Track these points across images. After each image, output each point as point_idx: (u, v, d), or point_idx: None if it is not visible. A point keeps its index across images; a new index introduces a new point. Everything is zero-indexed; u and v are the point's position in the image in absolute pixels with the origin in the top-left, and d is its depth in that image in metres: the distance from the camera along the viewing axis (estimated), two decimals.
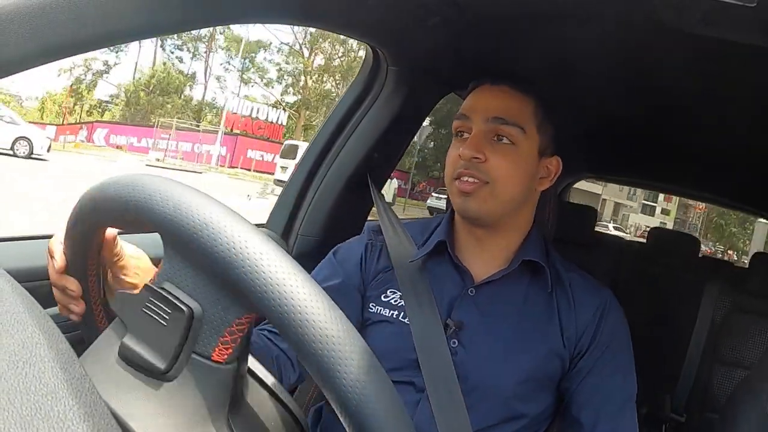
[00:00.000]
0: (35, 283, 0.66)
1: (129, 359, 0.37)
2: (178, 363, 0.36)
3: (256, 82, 30.53)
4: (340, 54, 28.11)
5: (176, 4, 0.53)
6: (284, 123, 24.51)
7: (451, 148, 0.76)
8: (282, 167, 14.48)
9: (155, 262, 0.48)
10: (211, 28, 26.33)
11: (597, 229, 2.01)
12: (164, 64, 30.45)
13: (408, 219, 0.99)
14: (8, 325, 0.28)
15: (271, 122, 23.25)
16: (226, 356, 0.37)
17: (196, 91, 31.79)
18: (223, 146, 20.50)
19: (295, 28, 26.40)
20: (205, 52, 31.02)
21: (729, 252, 26.80)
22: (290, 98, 29.43)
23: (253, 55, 30.11)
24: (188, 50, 30.69)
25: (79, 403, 0.27)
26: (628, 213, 38.13)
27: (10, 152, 11.27)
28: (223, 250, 0.33)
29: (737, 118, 1.10)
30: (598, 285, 0.78)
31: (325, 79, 28.61)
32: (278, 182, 13.30)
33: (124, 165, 13.46)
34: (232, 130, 21.70)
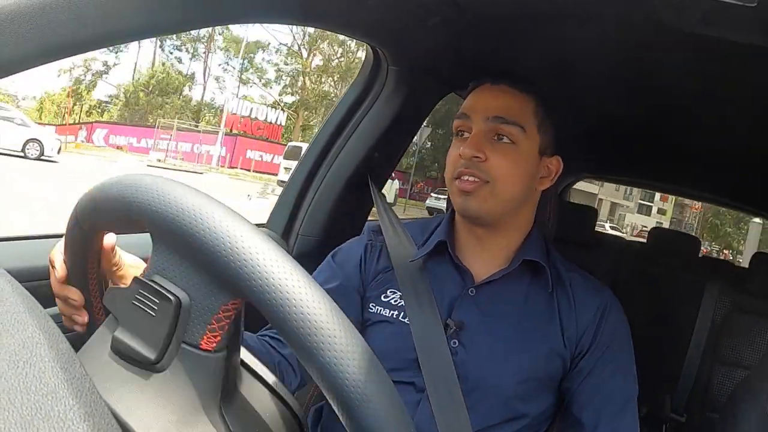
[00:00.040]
0: (36, 283, 0.66)
1: (121, 352, 0.37)
2: (168, 353, 0.36)
3: (254, 83, 30.62)
4: (338, 55, 28.15)
5: (176, 4, 0.53)
6: (283, 123, 24.57)
7: (451, 147, 0.76)
8: (285, 168, 14.56)
9: None
10: (210, 29, 26.39)
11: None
12: (163, 64, 30.50)
13: (408, 219, 0.99)
14: (9, 325, 0.29)
15: (271, 123, 23.31)
16: (214, 344, 0.37)
17: (195, 92, 31.88)
18: (222, 146, 20.53)
19: (294, 29, 26.47)
20: (204, 53, 31.06)
21: (725, 251, 26.89)
22: (288, 99, 29.51)
23: (252, 55, 30.18)
24: (187, 51, 30.75)
25: (80, 403, 0.27)
26: (625, 213, 38.21)
27: (21, 154, 11.38)
28: (204, 235, 0.34)
29: (737, 118, 1.10)
30: (599, 285, 0.77)
31: (323, 80, 28.65)
32: (281, 183, 13.37)
33: (125, 165, 13.49)
34: (231, 130, 21.73)
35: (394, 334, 0.73)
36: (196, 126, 23.92)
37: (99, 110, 29.23)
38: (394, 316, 0.75)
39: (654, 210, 39.86)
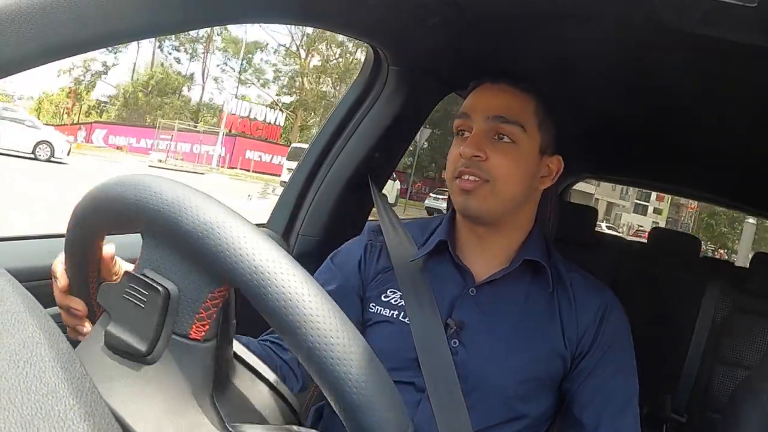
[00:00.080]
0: (35, 283, 0.66)
1: (114, 346, 0.37)
2: (158, 344, 0.36)
3: (253, 83, 30.68)
4: (336, 55, 28.19)
5: (177, 4, 0.53)
6: (281, 124, 24.64)
7: (452, 146, 0.76)
8: (288, 169, 14.67)
9: None
10: (208, 30, 26.42)
11: None
12: (162, 65, 30.53)
13: (408, 219, 0.99)
14: (9, 325, 0.29)
15: (269, 123, 23.38)
16: (203, 333, 0.38)
17: (193, 92, 31.91)
18: (222, 147, 20.58)
19: (293, 29, 26.56)
20: (203, 53, 31.10)
21: (720, 251, 27.02)
22: (287, 99, 29.53)
23: (251, 56, 30.22)
24: (185, 51, 30.77)
25: (80, 403, 0.27)
26: (621, 212, 38.30)
27: (32, 156, 11.47)
28: (186, 223, 0.34)
29: (737, 118, 1.10)
30: (600, 285, 0.77)
31: (321, 80, 28.71)
32: (284, 184, 13.45)
33: (127, 166, 13.54)
34: (231, 131, 21.77)
35: (395, 334, 0.73)
36: (195, 126, 23.96)
37: (98, 110, 29.24)
38: (395, 316, 0.75)
39: (650, 210, 40.02)
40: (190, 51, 30.81)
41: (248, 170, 19.70)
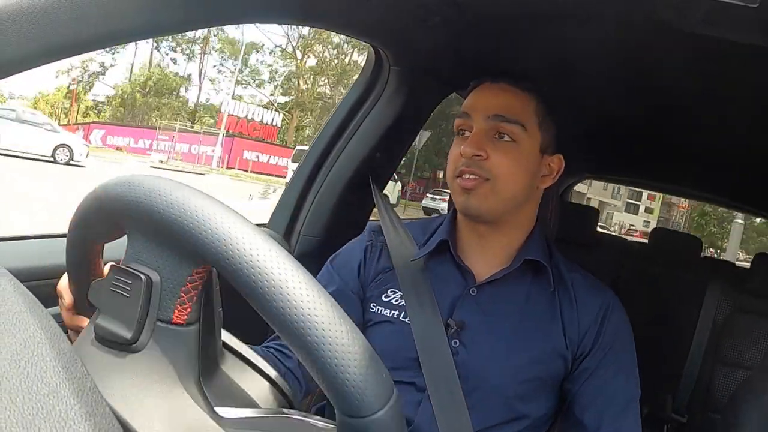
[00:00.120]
0: (37, 283, 0.66)
1: (102, 338, 0.38)
2: (144, 332, 0.37)
3: (249, 84, 30.76)
4: (332, 57, 28.23)
5: (178, 4, 0.53)
6: (279, 125, 24.74)
7: (453, 146, 0.76)
8: (293, 171, 14.74)
9: None
10: (205, 31, 26.48)
11: None
12: (159, 65, 30.59)
13: (408, 219, 0.99)
14: (10, 325, 0.29)
15: (267, 124, 23.49)
16: (185, 317, 0.38)
17: (190, 93, 31.95)
18: (220, 147, 20.65)
19: (289, 31, 26.63)
20: (200, 54, 31.14)
21: (710, 250, 27.26)
22: (283, 99, 29.60)
23: (247, 57, 30.29)
24: (182, 52, 30.79)
25: (81, 403, 0.27)
26: (613, 211, 38.36)
27: (51, 159, 11.63)
28: (160, 208, 0.35)
29: (737, 118, 1.10)
30: (601, 285, 0.77)
31: (317, 81, 28.79)
32: None
33: (129, 167, 13.62)
34: (228, 131, 21.83)
35: (395, 334, 0.73)
36: (192, 127, 24.02)
37: (96, 111, 29.24)
38: (395, 316, 0.75)
39: (641, 209, 40.10)
40: (187, 52, 30.87)
41: (246, 170, 19.75)
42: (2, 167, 9.05)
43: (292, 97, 29.08)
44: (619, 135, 1.57)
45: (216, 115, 26.50)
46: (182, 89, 30.83)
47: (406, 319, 0.73)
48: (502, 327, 0.72)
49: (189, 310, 0.38)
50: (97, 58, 28.58)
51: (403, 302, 0.74)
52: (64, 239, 0.45)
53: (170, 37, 24.10)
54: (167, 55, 30.89)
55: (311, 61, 28.89)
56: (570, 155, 0.80)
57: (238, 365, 0.44)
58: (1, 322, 0.28)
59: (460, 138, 0.75)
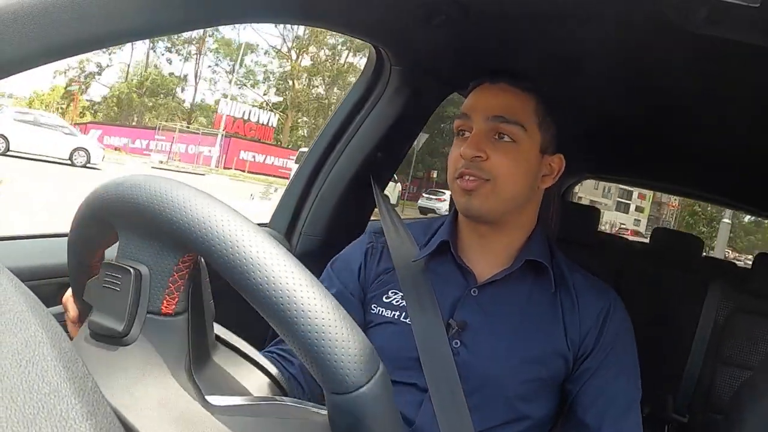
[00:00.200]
0: (38, 282, 0.66)
1: (96, 333, 0.39)
2: (135, 324, 0.38)
3: (245, 84, 30.83)
4: (327, 56, 28.27)
5: (178, 4, 0.53)
6: (274, 125, 24.86)
7: (452, 147, 0.76)
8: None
9: None
10: (201, 31, 26.53)
11: None
12: (156, 66, 30.64)
13: (409, 219, 0.99)
14: (11, 324, 0.28)
15: (263, 124, 23.63)
16: (173, 307, 0.39)
17: (186, 93, 31.99)
18: (215, 147, 20.73)
19: (284, 32, 26.68)
20: (196, 54, 31.18)
21: None
22: (278, 99, 29.61)
23: (241, 57, 30.29)
24: (178, 53, 30.81)
25: (82, 402, 0.27)
26: (603, 210, 38.45)
27: (69, 162, 11.85)
28: (144, 199, 0.36)
29: (738, 118, 1.10)
30: (603, 286, 0.77)
31: (312, 82, 28.88)
32: None
33: (130, 167, 13.70)
34: (225, 132, 21.90)
35: (396, 334, 0.73)
36: (188, 127, 24.11)
37: (92, 111, 29.24)
38: (396, 317, 0.74)
39: (632, 208, 40.21)
40: (184, 53, 30.91)
41: (243, 170, 19.81)
42: (26, 170, 9.19)
43: (286, 97, 29.15)
44: (619, 135, 1.57)
45: (212, 115, 26.58)
46: (178, 89, 30.94)
47: (407, 320, 0.73)
48: (503, 327, 0.72)
49: (177, 299, 0.39)
50: (93, 58, 28.68)
51: (404, 303, 0.74)
52: (65, 239, 0.45)
53: (166, 37, 24.18)
54: (163, 55, 31.00)
55: (306, 62, 29.03)
56: (570, 155, 0.80)
57: (232, 356, 0.45)
58: (2, 321, 0.28)
59: (459, 139, 0.75)
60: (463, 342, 0.71)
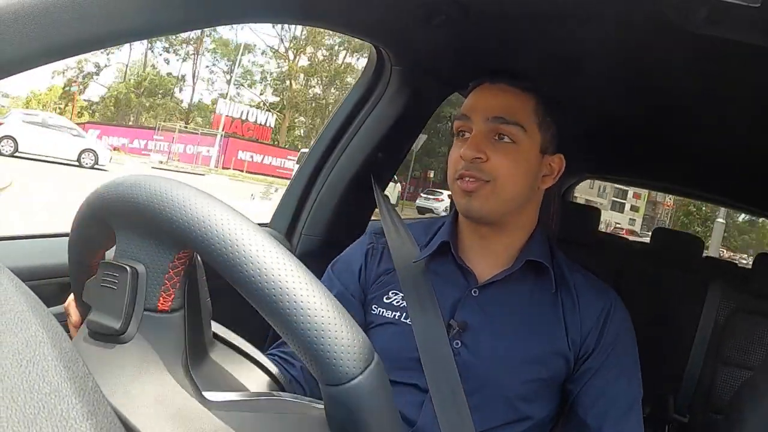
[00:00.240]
0: (39, 282, 0.66)
1: (95, 332, 0.39)
2: (132, 322, 0.38)
3: (242, 85, 30.88)
4: (324, 57, 28.30)
5: (179, 3, 0.53)
6: (272, 125, 24.93)
7: (452, 148, 0.76)
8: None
9: None
10: (198, 32, 26.58)
11: None
12: (153, 66, 30.65)
13: (410, 219, 0.99)
14: (12, 324, 0.28)
15: (260, 124, 23.71)
16: (170, 304, 0.39)
17: (184, 94, 32.01)
18: (213, 147, 20.76)
19: (281, 32, 26.71)
20: (194, 54, 31.19)
21: None
22: (276, 100, 29.66)
23: (240, 57, 30.34)
24: (175, 53, 30.80)
25: (83, 402, 0.27)
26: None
27: (77, 163, 11.97)
28: (141, 199, 0.36)
29: (738, 118, 1.10)
30: (603, 286, 0.77)
31: (309, 82, 28.91)
32: None
33: (129, 167, 13.75)
34: (223, 132, 21.96)
35: (397, 335, 0.73)
36: (185, 127, 24.16)
37: (90, 111, 29.24)
38: (397, 317, 0.74)
39: (627, 207, 40.28)
40: (181, 53, 30.92)
41: (242, 170, 19.86)
42: (36, 172, 9.22)
43: (284, 98, 29.19)
44: (619, 135, 1.57)
45: (209, 115, 26.64)
46: (176, 89, 30.97)
47: (408, 321, 0.73)
48: (504, 327, 0.72)
49: (173, 296, 0.39)
50: (91, 58, 28.69)
51: (405, 304, 0.74)
52: (65, 239, 0.46)
53: (164, 37, 24.17)
54: (160, 55, 31.03)
55: (304, 62, 29.10)
56: (570, 155, 0.80)
57: (230, 354, 0.45)
58: (3, 321, 0.28)
59: (459, 139, 0.75)
60: (463, 342, 0.71)
